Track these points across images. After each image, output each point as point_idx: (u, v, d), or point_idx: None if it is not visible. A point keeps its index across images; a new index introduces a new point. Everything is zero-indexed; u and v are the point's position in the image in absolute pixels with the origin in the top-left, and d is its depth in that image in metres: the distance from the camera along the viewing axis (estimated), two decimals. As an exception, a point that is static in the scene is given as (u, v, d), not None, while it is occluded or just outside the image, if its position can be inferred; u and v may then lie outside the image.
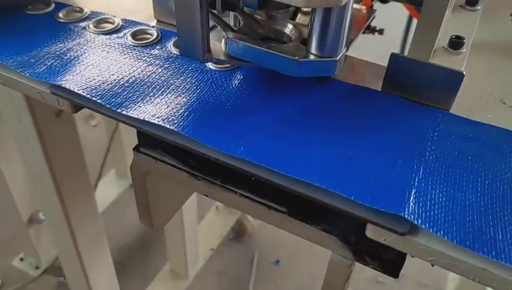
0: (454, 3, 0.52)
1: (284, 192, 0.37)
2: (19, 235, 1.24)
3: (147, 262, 1.36)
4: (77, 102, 0.44)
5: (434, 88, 0.43)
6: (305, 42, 0.42)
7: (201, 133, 0.39)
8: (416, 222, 0.33)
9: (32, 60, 0.47)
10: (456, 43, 0.46)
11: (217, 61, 0.45)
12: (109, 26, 0.54)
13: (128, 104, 0.42)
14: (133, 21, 0.55)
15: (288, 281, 1.33)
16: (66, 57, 0.48)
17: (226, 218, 1.47)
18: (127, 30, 0.53)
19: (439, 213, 0.34)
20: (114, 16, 0.55)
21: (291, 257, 1.40)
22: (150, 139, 0.45)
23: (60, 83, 0.44)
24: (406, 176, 0.37)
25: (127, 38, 0.52)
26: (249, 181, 0.40)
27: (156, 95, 0.43)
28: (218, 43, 0.43)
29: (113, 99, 0.42)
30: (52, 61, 0.47)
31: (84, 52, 0.49)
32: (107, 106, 0.42)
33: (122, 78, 0.45)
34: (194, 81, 0.46)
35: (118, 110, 0.41)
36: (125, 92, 0.43)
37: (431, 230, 0.33)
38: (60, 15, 0.55)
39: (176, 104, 0.42)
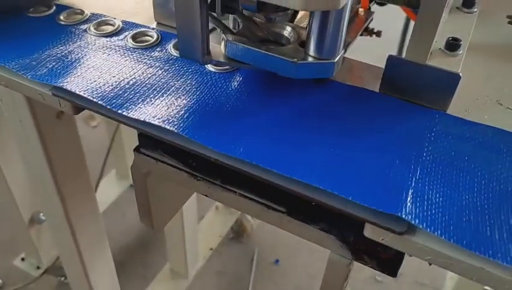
0: (451, 5, 0.53)
1: (283, 192, 0.38)
2: (20, 235, 1.25)
3: (147, 262, 1.36)
4: (78, 103, 0.45)
5: (431, 90, 0.43)
6: (304, 44, 0.42)
7: (201, 135, 0.40)
8: (413, 222, 0.33)
9: (34, 62, 0.48)
10: (452, 45, 0.46)
11: (217, 63, 0.45)
12: (110, 29, 0.54)
13: (129, 106, 0.42)
14: (133, 23, 0.56)
15: (287, 281, 1.34)
16: (68, 60, 0.49)
17: (226, 218, 1.48)
18: (127, 32, 0.54)
19: (436, 213, 0.34)
20: (114, 18, 0.56)
21: (291, 256, 1.40)
22: (150, 140, 0.45)
23: (61, 84, 0.45)
24: (403, 176, 0.37)
25: (127, 41, 0.52)
26: (248, 181, 0.40)
27: (156, 97, 0.44)
28: (218, 46, 0.44)
29: (114, 101, 0.43)
30: (54, 63, 0.48)
31: (85, 55, 0.49)
32: (108, 107, 0.42)
33: (122, 80, 0.46)
34: (193, 82, 0.46)
35: (119, 112, 0.42)
36: (126, 94, 0.44)
37: (428, 230, 0.33)
38: (61, 17, 0.56)
39: (176, 106, 0.43)
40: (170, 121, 0.41)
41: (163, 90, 0.45)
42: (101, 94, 0.43)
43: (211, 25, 0.41)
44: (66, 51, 0.50)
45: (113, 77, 0.46)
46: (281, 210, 0.43)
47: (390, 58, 0.43)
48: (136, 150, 0.48)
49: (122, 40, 0.52)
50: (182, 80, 0.46)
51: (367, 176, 0.37)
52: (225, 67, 0.47)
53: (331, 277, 0.45)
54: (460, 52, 0.47)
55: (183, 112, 0.42)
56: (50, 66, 0.47)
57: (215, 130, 0.40)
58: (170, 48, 0.51)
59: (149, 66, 0.48)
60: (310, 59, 0.41)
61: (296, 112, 0.43)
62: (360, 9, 0.55)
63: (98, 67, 0.47)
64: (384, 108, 0.44)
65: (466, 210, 0.35)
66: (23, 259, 1.32)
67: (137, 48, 0.51)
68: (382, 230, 0.35)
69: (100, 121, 1.76)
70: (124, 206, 1.50)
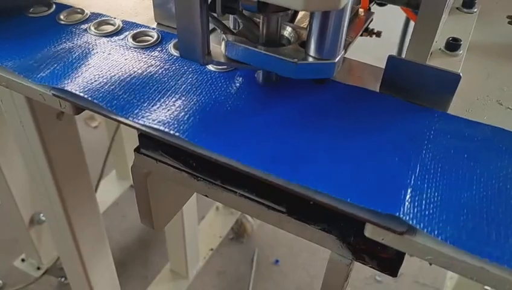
0: (451, 5, 0.53)
1: (283, 192, 0.38)
2: (20, 236, 1.25)
3: (147, 262, 1.36)
4: (79, 104, 0.45)
5: (431, 90, 0.43)
6: (304, 45, 0.42)
7: (201, 137, 0.40)
8: (411, 222, 0.33)
9: (35, 64, 0.48)
10: (452, 45, 0.47)
11: (217, 64, 0.45)
12: (110, 28, 0.54)
13: (129, 108, 0.42)
14: (134, 23, 0.56)
15: (287, 281, 1.34)
16: (68, 60, 0.49)
17: (226, 218, 1.48)
18: (127, 32, 0.54)
19: (434, 213, 0.34)
20: (114, 18, 0.56)
21: (291, 256, 1.40)
22: (150, 140, 0.45)
23: (62, 86, 0.45)
24: (402, 175, 0.37)
25: (127, 40, 0.52)
26: (248, 181, 0.40)
27: (157, 98, 0.44)
28: (218, 46, 0.44)
29: (115, 102, 0.43)
30: (55, 65, 0.48)
31: (86, 55, 0.49)
32: (109, 108, 0.42)
33: (123, 80, 0.46)
34: (194, 82, 0.46)
35: (119, 113, 0.42)
36: (126, 95, 0.44)
37: (425, 230, 0.33)
38: (61, 17, 0.56)
39: (176, 107, 0.43)
40: (170, 123, 0.41)
41: (163, 91, 0.45)
42: (101, 95, 0.43)
43: (211, 26, 0.41)
44: (66, 51, 0.50)
45: (114, 76, 0.46)
46: (280, 210, 0.43)
47: (390, 59, 0.43)
48: (137, 150, 0.48)
49: (122, 39, 0.52)
50: (182, 79, 0.46)
51: (366, 176, 0.37)
52: (225, 67, 0.48)
53: (332, 277, 0.45)
54: (461, 52, 0.47)
55: (183, 113, 0.42)
56: (51, 68, 0.47)
57: (215, 132, 0.40)
58: (170, 48, 0.51)
59: (149, 65, 0.48)
60: (310, 59, 0.41)
61: (296, 112, 0.43)
62: (360, 10, 0.55)
63: (98, 67, 0.47)
64: (384, 108, 0.44)
65: (464, 209, 0.35)
66: (23, 260, 1.32)
67: (138, 48, 0.51)
68: (382, 230, 0.35)
69: (100, 122, 1.77)
70: (124, 207, 1.50)
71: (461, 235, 0.33)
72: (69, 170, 0.76)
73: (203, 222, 1.46)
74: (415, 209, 0.34)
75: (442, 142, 0.40)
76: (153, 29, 0.54)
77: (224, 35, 0.43)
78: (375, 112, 0.44)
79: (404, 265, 0.40)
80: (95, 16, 0.57)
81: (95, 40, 0.52)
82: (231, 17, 0.47)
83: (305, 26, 0.46)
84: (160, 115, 0.42)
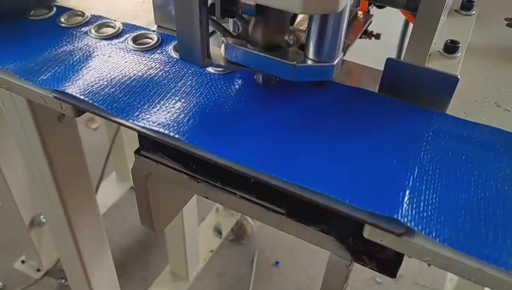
0: (449, 8, 0.53)
1: (283, 193, 0.38)
2: (20, 238, 1.25)
3: (147, 264, 1.37)
4: (80, 106, 0.45)
5: (430, 92, 0.43)
6: (303, 47, 0.42)
7: (201, 139, 0.40)
8: (409, 224, 0.33)
9: (36, 67, 0.48)
10: (451, 47, 0.47)
11: (217, 66, 0.46)
12: (110, 31, 0.54)
13: (130, 110, 0.43)
14: (134, 25, 0.56)
15: (287, 282, 1.34)
16: (69, 63, 0.49)
17: (226, 220, 1.48)
18: (127, 35, 0.54)
19: (432, 214, 0.34)
20: (115, 20, 0.56)
21: (291, 258, 1.40)
22: (151, 142, 0.46)
23: (63, 88, 0.45)
24: (400, 176, 0.37)
25: (128, 43, 0.52)
26: (248, 183, 0.41)
27: (157, 100, 0.44)
28: (218, 49, 0.44)
29: (115, 104, 0.43)
30: (56, 68, 0.48)
31: (87, 57, 0.50)
32: (109, 111, 0.42)
33: (123, 82, 0.46)
34: (193, 84, 0.46)
35: (120, 116, 0.42)
36: (127, 97, 0.44)
37: (423, 232, 0.33)
38: (62, 19, 0.56)
39: (176, 109, 0.43)
40: (170, 125, 0.41)
41: (163, 93, 0.45)
42: (102, 98, 0.44)
43: (210, 28, 0.42)
44: (67, 54, 0.50)
45: (114, 79, 0.46)
46: (280, 212, 0.43)
47: (389, 61, 0.44)
48: (137, 152, 0.48)
49: (122, 42, 0.53)
50: (182, 81, 0.47)
51: (364, 177, 0.37)
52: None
53: (331, 279, 0.45)
54: (459, 54, 0.47)
55: (183, 115, 0.42)
56: (52, 71, 0.47)
57: (215, 134, 0.40)
58: (170, 50, 0.51)
59: (149, 67, 0.48)
60: (309, 62, 0.41)
61: (295, 114, 0.43)
62: (359, 12, 0.55)
63: (99, 70, 0.48)
64: (382, 109, 0.44)
65: (462, 210, 0.35)
66: (23, 261, 1.32)
67: (138, 50, 0.51)
68: (381, 231, 0.35)
69: (101, 123, 1.77)
70: (125, 209, 1.50)
71: (459, 237, 0.33)
72: (70, 171, 0.76)
73: (203, 224, 1.46)
74: (413, 211, 0.34)
75: (440, 143, 0.41)
76: (153, 31, 0.55)
77: (223, 38, 0.43)
78: (373, 113, 0.44)
79: (403, 266, 0.40)
80: (95, 18, 0.57)
81: (96, 42, 0.53)
82: (231, 20, 0.48)
83: (304, 29, 0.46)
84: (160, 117, 0.42)
